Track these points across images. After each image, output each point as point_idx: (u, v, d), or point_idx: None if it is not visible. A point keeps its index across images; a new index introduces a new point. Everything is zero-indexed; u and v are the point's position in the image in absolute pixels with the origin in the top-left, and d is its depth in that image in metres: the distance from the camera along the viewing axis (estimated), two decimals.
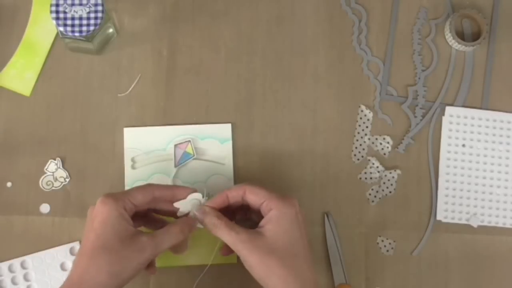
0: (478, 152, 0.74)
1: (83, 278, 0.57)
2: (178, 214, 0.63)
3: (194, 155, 0.71)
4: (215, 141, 0.71)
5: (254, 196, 0.61)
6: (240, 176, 0.71)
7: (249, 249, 0.58)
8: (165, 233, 0.60)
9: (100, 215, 0.58)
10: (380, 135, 0.74)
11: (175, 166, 0.71)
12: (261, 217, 0.61)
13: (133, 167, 0.70)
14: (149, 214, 0.64)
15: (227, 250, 0.65)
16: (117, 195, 0.59)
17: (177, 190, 0.63)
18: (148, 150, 0.71)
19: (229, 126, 0.72)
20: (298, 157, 0.72)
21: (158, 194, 0.62)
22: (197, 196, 0.62)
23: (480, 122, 0.74)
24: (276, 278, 0.58)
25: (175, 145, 0.71)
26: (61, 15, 0.65)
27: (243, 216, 0.65)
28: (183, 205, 0.63)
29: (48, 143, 0.71)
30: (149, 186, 0.62)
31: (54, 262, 0.69)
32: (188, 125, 0.72)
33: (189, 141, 0.71)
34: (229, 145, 0.71)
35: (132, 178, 0.70)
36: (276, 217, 0.60)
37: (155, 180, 0.70)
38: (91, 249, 0.57)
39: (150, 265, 0.62)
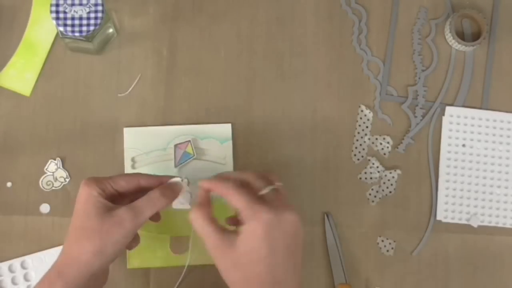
0: (478, 152, 0.74)
1: (68, 260, 0.57)
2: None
3: (194, 155, 0.71)
4: (215, 141, 0.71)
5: (233, 204, 0.57)
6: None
7: (215, 256, 0.56)
8: (144, 200, 0.59)
9: (81, 196, 0.58)
10: (380, 135, 0.74)
11: (175, 166, 0.71)
12: None
13: (133, 167, 0.70)
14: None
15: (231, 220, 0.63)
16: (99, 178, 0.59)
17: (164, 179, 0.63)
18: (148, 150, 0.71)
19: (229, 126, 0.72)
20: (298, 157, 0.72)
21: (144, 183, 0.62)
22: (177, 179, 0.63)
23: (480, 122, 0.74)
24: None
25: (175, 145, 0.71)
26: (61, 15, 0.65)
27: None
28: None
29: (48, 143, 0.71)
30: (135, 174, 0.62)
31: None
32: (188, 125, 0.72)
33: (189, 141, 0.71)
34: (229, 145, 0.71)
35: None
36: (248, 233, 0.55)
37: None
38: (73, 230, 0.58)
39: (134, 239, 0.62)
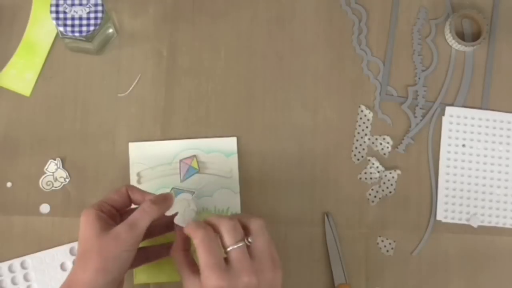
0: (478, 152, 0.74)
1: (72, 283, 0.58)
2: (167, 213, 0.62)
3: (199, 170, 0.71)
4: (220, 155, 0.71)
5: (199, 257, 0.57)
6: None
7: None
8: (137, 212, 0.59)
9: (81, 224, 0.59)
10: (380, 135, 0.74)
11: (181, 181, 0.71)
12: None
13: (139, 182, 0.70)
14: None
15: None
16: (95, 204, 0.61)
17: (147, 196, 0.62)
18: (153, 164, 0.71)
19: (234, 139, 0.72)
20: (298, 157, 0.72)
21: (132, 197, 0.62)
22: (186, 196, 0.62)
23: (480, 122, 0.74)
24: None
25: (180, 160, 0.71)
26: (61, 15, 0.65)
27: None
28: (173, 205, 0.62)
29: (48, 143, 0.71)
30: (123, 187, 0.63)
31: (54, 262, 0.69)
32: (193, 139, 0.72)
33: (194, 156, 0.71)
34: (234, 158, 0.71)
35: None
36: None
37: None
38: (78, 256, 0.59)
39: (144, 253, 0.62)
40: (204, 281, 0.55)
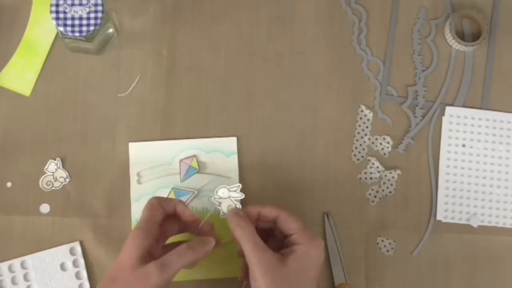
0: (478, 152, 0.74)
1: None
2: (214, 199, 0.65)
3: (199, 170, 0.71)
4: (220, 155, 0.71)
5: (287, 225, 0.61)
6: (245, 188, 0.70)
7: (265, 270, 0.57)
8: (173, 254, 0.58)
9: (125, 245, 0.58)
10: (380, 135, 0.74)
11: (181, 180, 0.71)
12: (277, 237, 0.62)
13: (139, 182, 0.70)
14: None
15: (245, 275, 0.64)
16: (139, 225, 0.59)
17: (178, 206, 0.63)
18: (153, 165, 0.71)
19: (234, 139, 0.72)
20: (298, 157, 0.72)
21: (168, 210, 0.63)
22: (236, 188, 0.65)
23: (480, 122, 0.74)
24: None
25: (180, 160, 0.71)
26: (61, 15, 0.65)
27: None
28: (223, 199, 0.65)
29: (48, 143, 0.71)
30: (154, 201, 0.62)
31: (54, 262, 0.69)
32: (193, 139, 0.72)
33: (194, 155, 0.71)
34: (234, 158, 0.71)
35: (138, 193, 0.70)
36: (303, 253, 0.59)
37: (161, 194, 0.70)
38: (107, 279, 0.58)
39: None
40: (308, 240, 0.60)
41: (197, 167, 0.71)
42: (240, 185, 0.65)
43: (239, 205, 0.64)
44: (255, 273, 0.58)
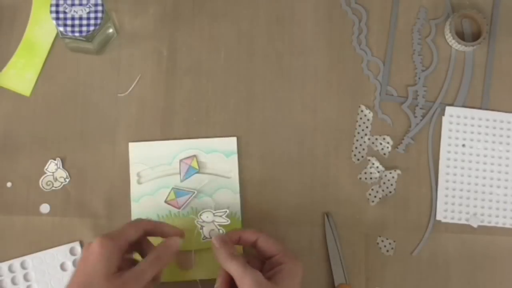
0: (478, 152, 0.74)
1: None
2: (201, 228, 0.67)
3: (199, 170, 0.71)
4: (220, 155, 0.71)
5: (267, 246, 0.63)
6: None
7: None
8: (145, 263, 0.60)
9: (93, 254, 0.59)
10: (380, 135, 0.74)
11: (181, 180, 0.71)
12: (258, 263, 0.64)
13: (139, 182, 0.70)
14: (142, 240, 0.65)
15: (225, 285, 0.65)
16: (113, 236, 0.60)
17: (166, 228, 0.65)
18: (153, 165, 0.71)
19: (234, 139, 0.72)
20: (298, 157, 0.72)
21: (148, 229, 0.64)
22: (223, 213, 0.66)
23: (480, 122, 0.74)
24: None
25: (180, 160, 0.71)
26: (61, 15, 0.65)
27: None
28: (206, 223, 0.66)
29: (48, 143, 0.71)
30: (140, 222, 0.64)
31: (54, 262, 0.69)
32: (193, 139, 0.72)
33: (194, 155, 0.71)
34: (234, 159, 0.71)
35: (138, 193, 0.70)
36: (290, 271, 0.61)
37: (161, 194, 0.70)
38: (77, 284, 0.58)
39: None
40: (292, 259, 0.62)
41: (197, 167, 0.71)
42: (227, 211, 0.66)
43: (222, 230, 0.66)
44: None
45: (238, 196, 0.71)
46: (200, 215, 0.66)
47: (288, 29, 0.74)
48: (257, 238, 0.64)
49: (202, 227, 0.66)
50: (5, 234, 0.69)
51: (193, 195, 0.70)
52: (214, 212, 0.66)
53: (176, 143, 0.71)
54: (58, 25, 0.65)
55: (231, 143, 0.72)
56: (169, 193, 0.70)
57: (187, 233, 0.66)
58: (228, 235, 0.64)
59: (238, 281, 0.60)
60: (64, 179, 0.71)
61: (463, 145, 0.74)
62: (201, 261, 0.68)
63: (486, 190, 0.74)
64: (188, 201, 0.70)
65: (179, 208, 0.70)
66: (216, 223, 0.66)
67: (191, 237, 0.66)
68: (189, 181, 0.71)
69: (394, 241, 0.72)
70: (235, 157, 0.71)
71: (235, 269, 0.60)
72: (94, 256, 0.59)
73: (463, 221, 0.73)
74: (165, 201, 0.70)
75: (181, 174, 0.71)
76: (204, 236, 0.66)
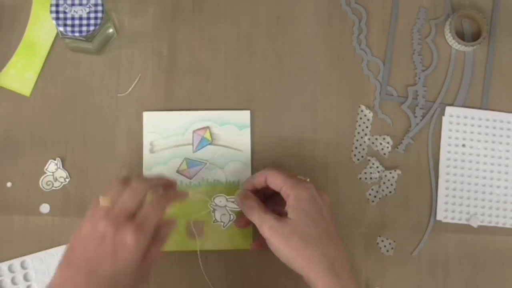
0: (478, 152, 0.74)
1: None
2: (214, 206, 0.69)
3: (212, 141, 0.71)
4: (234, 127, 0.72)
5: (274, 181, 0.64)
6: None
7: (274, 232, 0.61)
8: (141, 216, 0.58)
9: (128, 252, 0.56)
10: (380, 135, 0.74)
11: (194, 151, 0.71)
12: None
13: (151, 151, 0.71)
14: None
15: (242, 223, 0.68)
16: (147, 230, 0.57)
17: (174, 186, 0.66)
18: (167, 135, 0.71)
19: (248, 112, 0.72)
20: (298, 157, 0.72)
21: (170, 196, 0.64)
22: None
23: (480, 122, 0.74)
24: (302, 259, 0.60)
25: (194, 131, 0.71)
26: (61, 15, 0.65)
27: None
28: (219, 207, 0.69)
29: (48, 143, 0.71)
30: (161, 200, 0.61)
31: (54, 262, 0.69)
32: (207, 110, 0.72)
33: (208, 127, 0.71)
34: (247, 132, 0.72)
35: (150, 161, 0.71)
36: (294, 201, 0.62)
37: (173, 164, 0.71)
38: (102, 278, 0.56)
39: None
40: (295, 186, 0.63)
41: (210, 138, 0.71)
42: None
43: (233, 216, 0.68)
44: (269, 240, 0.62)
45: (249, 168, 0.71)
46: (214, 198, 0.68)
47: (288, 29, 0.75)
48: (265, 176, 0.65)
49: (214, 210, 0.68)
50: (5, 234, 0.69)
51: (205, 166, 0.70)
52: (227, 197, 0.68)
53: (190, 114, 0.72)
54: (58, 25, 0.65)
55: (244, 116, 0.72)
56: (181, 163, 0.71)
57: (199, 203, 0.68)
58: (244, 189, 0.66)
59: (259, 229, 0.62)
60: (64, 179, 0.71)
61: (463, 145, 0.74)
62: (207, 232, 0.70)
63: (486, 190, 0.74)
64: (199, 172, 0.70)
65: (190, 178, 0.71)
66: (228, 208, 0.68)
67: (204, 207, 0.69)
68: (201, 152, 0.71)
69: (394, 241, 0.72)
70: (248, 130, 0.72)
71: (254, 219, 0.63)
72: (127, 254, 0.56)
73: (463, 221, 0.73)
74: (177, 171, 0.71)
75: (194, 145, 0.71)
76: (215, 219, 0.68)
